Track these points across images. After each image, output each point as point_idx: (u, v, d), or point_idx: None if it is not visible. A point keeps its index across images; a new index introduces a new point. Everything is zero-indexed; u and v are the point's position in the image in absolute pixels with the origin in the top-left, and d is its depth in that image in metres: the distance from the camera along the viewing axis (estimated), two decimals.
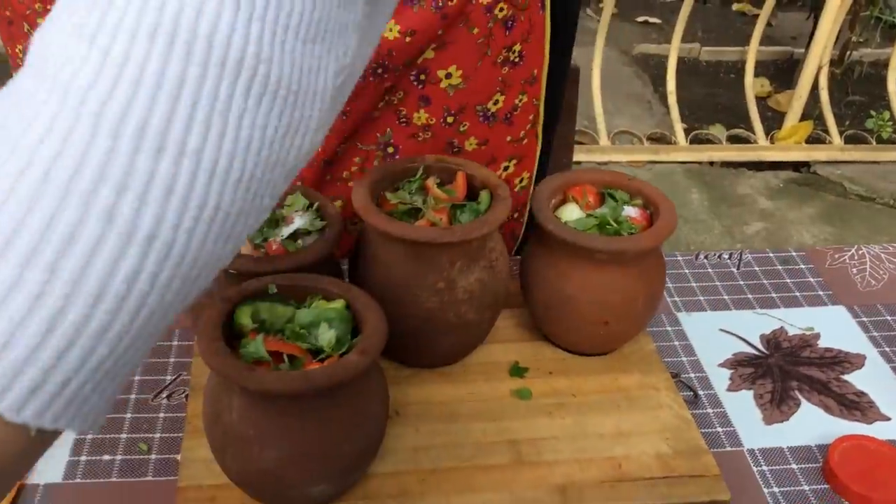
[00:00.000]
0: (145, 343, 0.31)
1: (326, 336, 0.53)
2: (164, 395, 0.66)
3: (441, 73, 0.73)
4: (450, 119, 0.76)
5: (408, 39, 0.69)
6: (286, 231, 0.62)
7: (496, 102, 0.77)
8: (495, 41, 0.73)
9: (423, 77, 0.73)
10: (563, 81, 0.87)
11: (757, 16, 2.75)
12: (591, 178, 0.71)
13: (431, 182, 0.67)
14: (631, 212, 0.68)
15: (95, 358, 0.28)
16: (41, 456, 0.31)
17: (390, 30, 0.69)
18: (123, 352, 0.29)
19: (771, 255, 0.87)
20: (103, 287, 0.27)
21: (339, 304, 0.56)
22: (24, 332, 0.27)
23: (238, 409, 0.51)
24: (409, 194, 0.66)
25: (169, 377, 0.67)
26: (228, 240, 0.31)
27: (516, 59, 0.76)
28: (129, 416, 0.64)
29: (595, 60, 2.59)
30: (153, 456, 0.61)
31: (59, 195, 0.27)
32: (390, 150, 0.77)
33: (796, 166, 2.64)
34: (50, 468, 0.59)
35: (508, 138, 0.81)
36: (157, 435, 0.63)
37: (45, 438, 0.30)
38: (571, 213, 0.68)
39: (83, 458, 0.60)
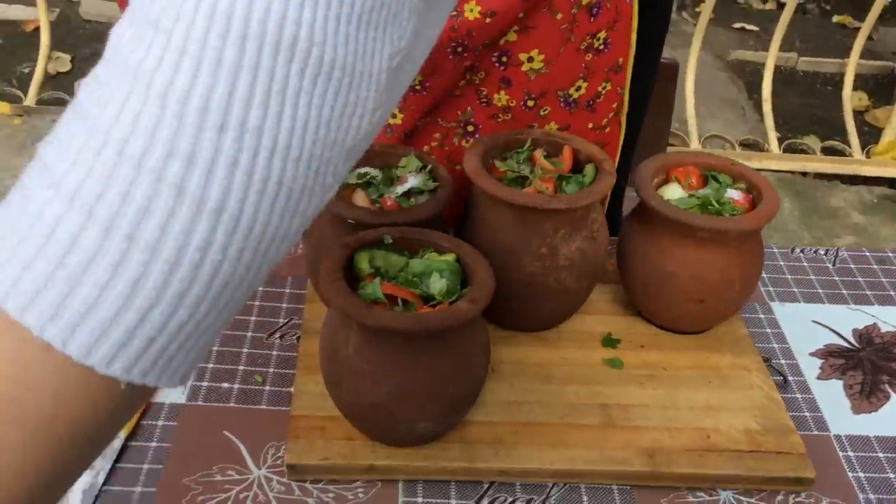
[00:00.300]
0: (225, 310, 0.33)
1: (437, 285, 0.56)
2: (276, 335, 0.70)
3: (523, 57, 0.75)
4: (530, 103, 0.78)
5: (488, 20, 0.71)
6: (400, 189, 0.65)
7: (578, 89, 0.79)
8: (579, 27, 0.75)
9: (504, 59, 0.75)
10: (653, 74, 0.87)
11: (858, 29, 2.69)
12: (694, 161, 0.72)
13: (539, 154, 0.70)
14: (734, 194, 0.69)
15: (176, 321, 0.31)
16: (136, 411, 0.34)
17: (471, 10, 0.71)
18: (203, 317, 0.32)
19: (867, 253, 0.87)
20: (178, 255, 0.30)
21: (450, 257, 0.59)
22: (108, 295, 0.29)
23: (354, 344, 0.55)
24: (517, 164, 0.69)
25: (282, 320, 0.72)
26: (294, 215, 0.33)
27: (601, 47, 0.77)
28: (245, 351, 0.69)
29: (690, 63, 2.57)
30: (267, 388, 0.66)
31: (133, 171, 0.29)
32: (470, 128, 0.79)
33: (892, 183, 2.57)
34: (175, 391, 0.64)
35: (590, 125, 0.82)
36: (271, 370, 0.67)
37: (135, 394, 0.32)
38: (673, 192, 0.70)
39: (205, 383, 0.65)
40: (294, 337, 0.70)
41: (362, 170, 0.66)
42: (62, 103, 2.51)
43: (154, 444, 0.61)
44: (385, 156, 0.68)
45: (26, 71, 2.73)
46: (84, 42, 2.94)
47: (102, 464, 0.59)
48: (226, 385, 0.66)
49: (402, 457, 0.60)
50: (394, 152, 0.69)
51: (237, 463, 0.61)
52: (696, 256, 0.67)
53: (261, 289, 0.74)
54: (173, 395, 0.64)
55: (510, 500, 0.60)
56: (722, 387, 0.67)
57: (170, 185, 0.29)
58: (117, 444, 0.60)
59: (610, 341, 0.71)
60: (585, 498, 0.61)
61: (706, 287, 0.68)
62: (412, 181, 0.66)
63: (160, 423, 0.63)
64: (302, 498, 0.59)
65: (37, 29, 2.85)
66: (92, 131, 0.30)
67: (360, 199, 0.64)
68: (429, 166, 0.69)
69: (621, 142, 0.88)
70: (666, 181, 0.72)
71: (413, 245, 0.60)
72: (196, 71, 0.29)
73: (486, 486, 0.61)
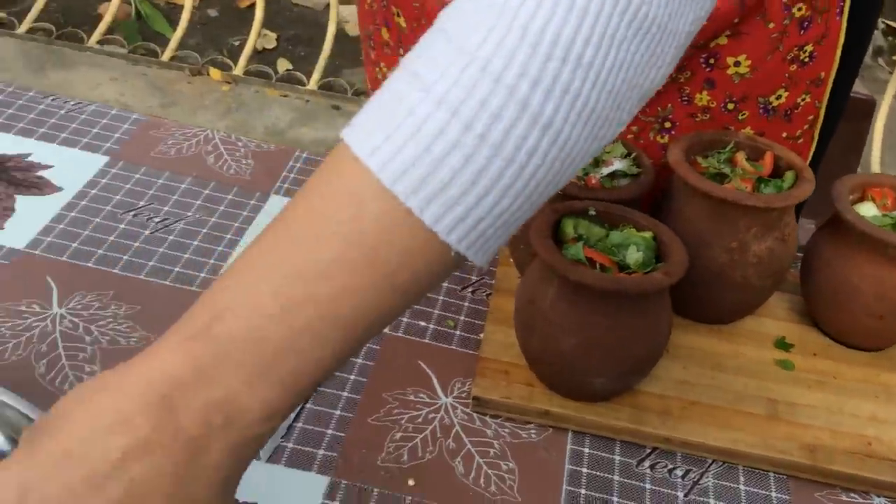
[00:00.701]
0: (529, 208, 0.41)
1: (634, 256, 0.62)
2: (469, 289, 0.78)
3: (730, 60, 0.78)
4: (730, 105, 0.80)
5: (705, 22, 0.74)
6: (605, 171, 0.71)
7: (779, 97, 0.81)
8: (789, 38, 0.77)
9: (712, 61, 0.78)
10: (846, 93, 0.89)
11: None
12: (892, 183, 0.74)
13: (740, 156, 0.74)
14: None
15: (499, 208, 0.39)
16: (443, 280, 0.43)
17: None
18: (517, 209, 0.40)
19: None
20: (513, 155, 0.38)
21: (647, 234, 0.64)
22: (458, 180, 0.37)
23: (552, 297, 0.61)
24: (718, 162, 0.73)
25: (474, 277, 0.79)
26: (595, 140, 0.41)
27: (806, 59, 0.79)
28: (441, 298, 0.76)
29: (882, 109, 2.48)
30: (457, 332, 0.73)
31: (492, 84, 0.37)
32: (667, 125, 0.82)
33: None
34: None
35: (784, 134, 0.84)
36: (462, 318, 0.75)
37: (454, 263, 0.40)
38: (868, 210, 0.72)
39: (405, 319, 0.74)
40: (484, 293, 0.77)
41: None
42: (265, 76, 2.72)
43: (360, 360, 0.70)
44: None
45: (236, 44, 2.98)
46: (289, 23, 3.17)
47: None
48: (422, 323, 0.74)
49: (575, 408, 0.65)
50: None
51: (428, 389, 0.68)
52: (884, 273, 0.69)
53: None
54: None
55: (670, 466, 0.65)
56: (889, 402, 0.69)
57: (517, 100, 0.37)
58: None
59: (783, 344, 0.73)
60: (742, 478, 0.64)
61: (888, 305, 0.69)
62: (617, 165, 0.71)
63: (367, 344, 0.71)
64: (481, 428, 0.66)
65: (250, 6, 3.10)
66: (459, 51, 0.38)
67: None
68: (633, 154, 0.74)
69: (811, 157, 0.90)
70: (861, 199, 0.74)
71: (614, 219, 0.66)
72: (553, 10, 0.37)
73: (648, 450, 0.65)
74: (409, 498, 0.60)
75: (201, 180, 0.85)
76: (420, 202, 0.37)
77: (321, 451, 0.63)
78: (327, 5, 3.21)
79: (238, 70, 2.75)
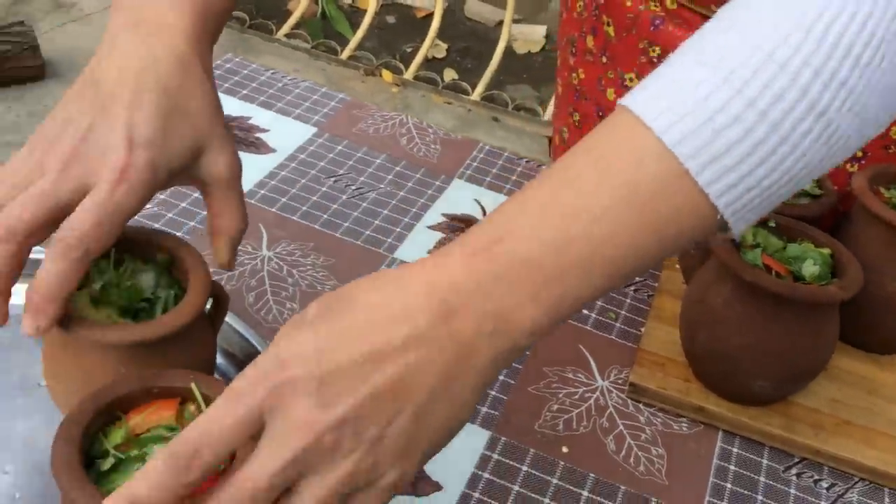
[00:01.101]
0: (791, 188, 0.44)
1: (811, 269, 0.64)
2: (631, 288, 0.82)
3: None
4: None
5: None
6: None
7: None
8: None
9: None
10: None
11: None
12: None
13: None
14: None
15: (768, 181, 0.42)
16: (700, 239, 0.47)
17: None
18: (781, 186, 0.43)
19: None
20: (787, 135, 0.41)
21: (825, 250, 0.66)
22: (734, 151, 0.41)
23: (724, 297, 0.65)
24: None
25: (638, 278, 0.83)
26: (860, 136, 0.44)
27: None
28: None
29: None
30: (617, 324, 0.77)
31: (777, 69, 0.41)
32: (859, 154, 0.82)
33: None
34: None
35: None
36: (623, 312, 0.79)
37: (716, 227, 0.44)
38: None
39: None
40: (646, 294, 0.81)
41: None
42: (432, 83, 2.84)
43: None
44: None
45: (409, 50, 3.12)
46: (460, 36, 3.28)
47: None
48: (585, 312, 0.78)
49: (729, 409, 0.68)
50: None
51: (586, 370, 0.73)
52: None
53: None
54: None
55: (816, 477, 0.66)
56: None
57: (799, 86, 0.41)
58: None
59: None
60: (888, 499, 0.65)
61: None
62: None
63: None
64: (634, 413, 0.70)
65: (426, 16, 3.24)
66: (745, 39, 0.43)
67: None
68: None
69: None
70: None
71: (793, 233, 0.68)
72: (838, 13, 0.41)
73: (797, 459, 0.67)
74: (563, 463, 0.65)
75: (394, 158, 0.93)
76: (698, 165, 0.41)
77: (484, 408, 0.68)
78: (499, 22, 3.32)
79: (408, 74, 2.89)
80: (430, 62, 3.08)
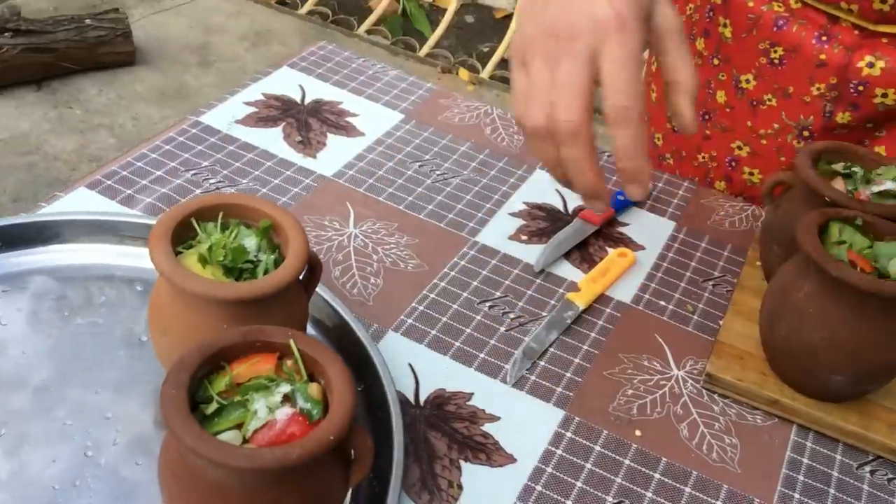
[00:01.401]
0: None
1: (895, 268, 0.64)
2: (710, 282, 0.82)
3: None
4: None
5: None
6: (875, 189, 0.73)
7: None
8: None
9: None
10: None
11: None
12: None
13: None
14: None
15: None
16: None
17: None
18: None
19: None
20: None
21: None
22: None
23: (808, 290, 0.65)
24: None
25: (717, 273, 0.83)
26: None
27: None
28: (682, 285, 0.82)
29: None
30: (694, 317, 0.78)
31: None
32: None
33: None
34: (626, 292, 0.79)
35: None
36: (700, 305, 0.79)
37: None
38: None
39: (645, 296, 0.80)
40: (724, 289, 0.82)
41: (849, 164, 0.75)
42: (508, 82, 2.86)
43: (601, 322, 0.77)
44: (865, 160, 0.77)
45: (485, 50, 3.14)
46: None
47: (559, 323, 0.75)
48: (662, 303, 0.79)
49: (804, 403, 0.68)
50: (875, 159, 0.77)
51: (661, 359, 0.74)
52: None
53: (703, 245, 0.87)
54: (623, 294, 0.79)
55: (890, 476, 0.66)
56: None
57: None
58: (570, 317, 0.76)
59: None
60: None
61: None
62: (887, 185, 0.73)
63: (608, 311, 0.78)
64: (709, 403, 0.70)
65: (505, 17, 3.26)
66: None
67: (839, 185, 0.73)
68: None
69: None
70: None
71: (880, 233, 0.68)
72: None
73: (871, 457, 0.67)
74: (635, 445, 0.66)
75: (477, 146, 0.95)
76: None
77: (559, 389, 0.70)
78: None
79: (484, 74, 2.91)
80: (506, 62, 3.10)
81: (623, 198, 0.89)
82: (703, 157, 1.00)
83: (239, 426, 0.49)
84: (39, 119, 2.55)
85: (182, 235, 0.59)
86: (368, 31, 3.03)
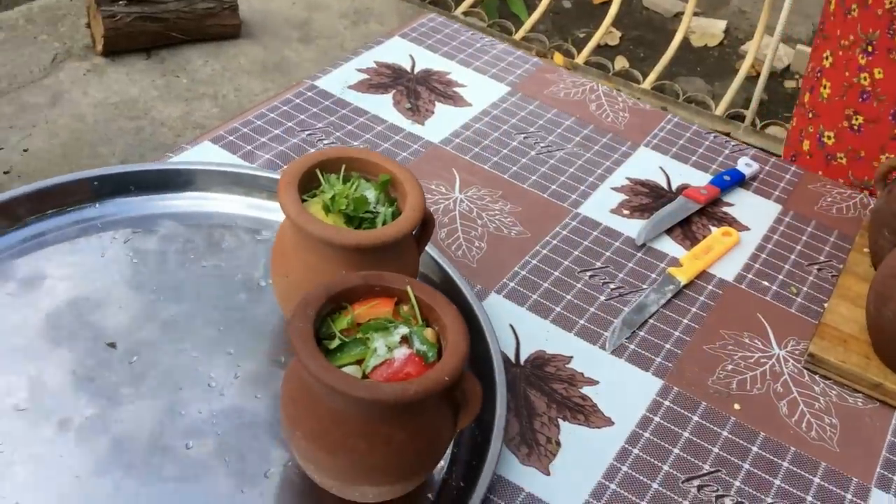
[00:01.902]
0: None
1: None
2: (815, 267, 0.82)
3: None
4: None
5: None
6: None
7: None
8: None
9: None
10: None
11: None
12: None
13: None
14: None
15: None
16: None
17: None
18: None
19: None
20: None
21: None
22: None
23: None
24: None
25: (822, 258, 0.83)
26: None
27: None
28: (786, 267, 0.81)
29: None
30: (797, 299, 0.78)
31: None
32: None
33: None
34: (729, 269, 0.80)
35: None
36: (804, 288, 0.79)
37: None
38: None
39: (748, 275, 0.80)
40: (829, 273, 0.81)
41: None
42: (602, 68, 2.83)
43: (702, 298, 0.77)
44: None
45: (581, 36, 3.12)
46: (635, 25, 3.26)
47: (659, 296, 0.76)
48: (766, 283, 0.79)
49: None
50: None
51: (763, 337, 0.74)
52: None
53: (810, 229, 0.86)
54: (725, 273, 0.79)
55: None
56: None
57: None
58: (671, 290, 0.77)
59: None
60: None
61: None
62: None
63: (710, 287, 0.78)
64: (809, 383, 0.70)
65: (603, 3, 3.23)
66: None
67: None
68: None
69: None
70: None
71: None
72: None
73: None
74: (733, 418, 0.67)
75: (582, 122, 0.96)
76: None
77: (658, 359, 0.71)
78: (677, 14, 3.26)
79: (579, 59, 2.89)
80: (601, 48, 3.07)
81: (728, 178, 0.89)
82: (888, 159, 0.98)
83: (359, 362, 0.52)
84: (148, 86, 2.66)
85: (307, 185, 0.63)
86: (465, 13, 3.05)
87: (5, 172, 2.25)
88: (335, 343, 0.52)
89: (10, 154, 2.31)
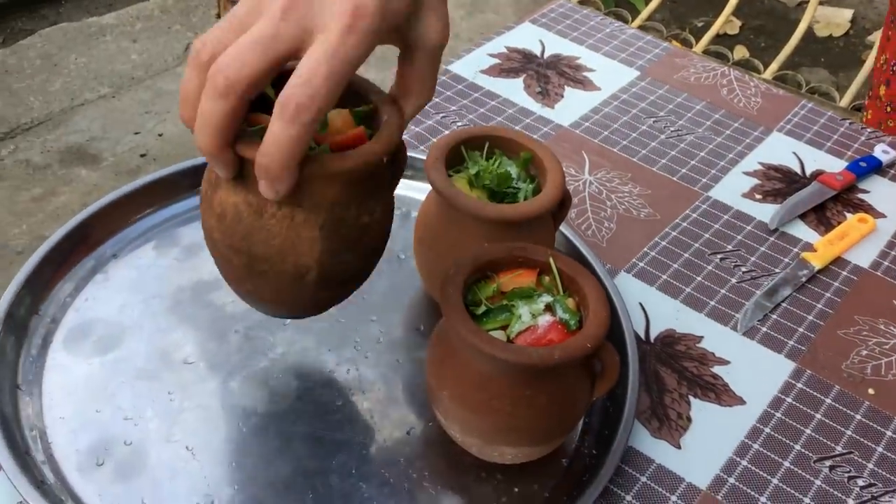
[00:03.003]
0: None
1: None
2: None
3: None
4: None
5: None
6: None
7: None
8: None
9: None
10: None
11: None
12: None
13: None
14: None
15: None
16: None
17: None
18: None
19: None
20: None
21: None
22: None
23: None
24: None
25: None
26: None
27: None
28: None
29: None
30: None
31: None
32: None
33: None
34: (863, 259, 0.79)
35: None
36: None
37: None
38: None
39: (884, 262, 0.78)
40: None
41: None
42: (721, 57, 2.77)
43: (837, 283, 0.76)
44: None
45: (700, 24, 3.06)
46: (756, 14, 3.17)
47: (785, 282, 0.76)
48: None
49: None
50: None
51: None
52: None
53: None
54: (861, 259, 0.78)
55: None
56: None
57: None
58: (805, 275, 0.76)
59: None
60: None
61: None
62: None
63: (845, 273, 0.77)
64: None
65: None
66: None
67: None
68: None
69: None
70: None
71: None
72: None
73: None
74: (868, 403, 0.66)
75: (713, 106, 0.96)
76: None
77: (791, 342, 0.71)
78: (800, 3, 3.16)
79: (697, 48, 2.84)
80: (720, 38, 3.00)
81: (865, 165, 0.87)
82: None
83: (503, 328, 0.55)
84: None
85: (450, 162, 0.66)
86: (581, 2, 3.04)
87: (142, 155, 2.40)
88: (482, 309, 0.55)
89: (146, 138, 2.46)
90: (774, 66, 2.80)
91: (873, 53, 2.70)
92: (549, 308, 0.55)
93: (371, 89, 0.53)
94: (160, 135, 2.49)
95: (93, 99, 2.45)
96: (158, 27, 2.94)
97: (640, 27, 2.99)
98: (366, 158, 0.48)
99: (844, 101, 2.68)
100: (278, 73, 0.44)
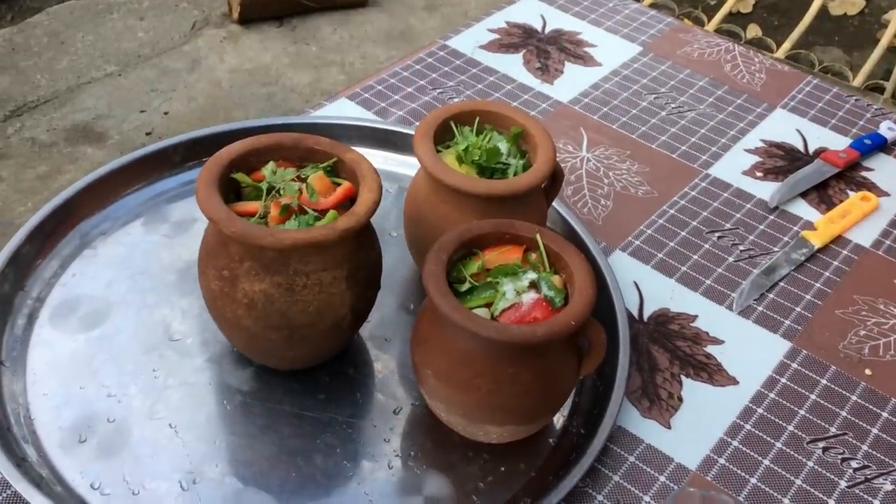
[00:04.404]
0: None
1: None
2: None
3: None
4: None
5: None
6: None
7: None
8: None
9: None
10: None
11: None
12: None
13: None
14: None
15: None
16: None
17: None
18: None
19: None
20: None
21: None
22: None
23: None
24: None
25: None
26: None
27: None
28: None
29: None
30: None
31: None
32: None
33: None
34: (864, 238, 0.77)
35: None
36: None
37: None
38: None
39: (886, 241, 0.77)
40: None
41: None
42: (734, 36, 2.73)
43: (836, 262, 0.75)
44: None
45: (713, 3, 3.02)
46: None
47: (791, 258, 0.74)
48: None
49: None
50: None
51: None
52: None
53: None
54: (862, 238, 0.77)
55: None
56: None
57: None
58: (804, 254, 0.75)
59: None
60: None
61: None
62: None
63: (845, 252, 0.76)
64: None
65: None
66: None
67: None
68: None
69: None
70: None
71: None
72: None
73: None
74: (864, 384, 0.65)
75: (716, 82, 0.94)
76: None
77: (787, 322, 0.69)
78: None
79: (710, 26, 2.80)
80: (733, 16, 2.96)
81: (869, 142, 0.85)
82: None
83: (488, 305, 0.54)
84: (280, 53, 2.76)
85: (441, 137, 0.65)
86: None
87: (147, 134, 2.39)
88: (465, 286, 0.54)
89: (152, 116, 2.46)
90: (787, 44, 2.76)
91: (889, 32, 2.66)
92: (534, 285, 0.54)
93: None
94: (166, 113, 2.48)
95: (99, 77, 2.45)
96: (165, 5, 2.92)
97: (652, 5, 2.96)
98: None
99: (857, 81, 2.64)
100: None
